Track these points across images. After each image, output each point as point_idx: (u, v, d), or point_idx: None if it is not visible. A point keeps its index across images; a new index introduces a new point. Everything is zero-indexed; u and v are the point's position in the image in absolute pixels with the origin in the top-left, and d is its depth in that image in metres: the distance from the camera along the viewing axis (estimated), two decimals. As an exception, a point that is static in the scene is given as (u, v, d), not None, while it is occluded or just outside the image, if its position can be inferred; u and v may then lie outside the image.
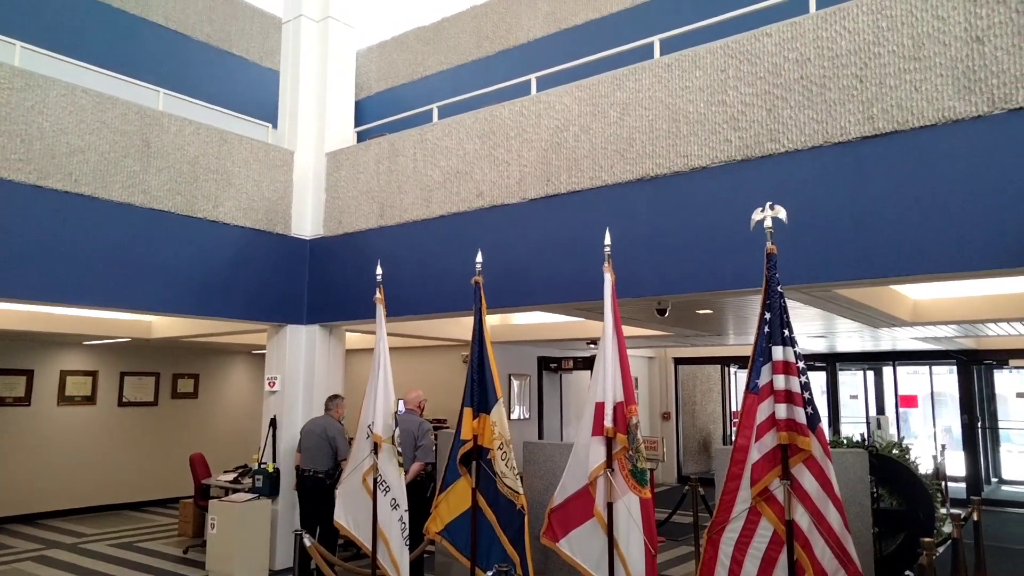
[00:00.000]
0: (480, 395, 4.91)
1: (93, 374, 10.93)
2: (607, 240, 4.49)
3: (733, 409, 14.57)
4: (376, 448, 5.29)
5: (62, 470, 10.44)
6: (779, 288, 3.74)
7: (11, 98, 5.71)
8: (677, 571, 7.44)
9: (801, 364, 3.62)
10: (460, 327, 9.35)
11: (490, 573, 4.27)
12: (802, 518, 3.50)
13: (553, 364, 12.27)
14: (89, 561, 7.79)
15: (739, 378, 14.63)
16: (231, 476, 8.29)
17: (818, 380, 13.13)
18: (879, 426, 11.32)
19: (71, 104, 6.06)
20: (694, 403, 14.91)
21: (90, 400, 10.88)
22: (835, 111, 4.62)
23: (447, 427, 9.11)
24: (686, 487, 7.24)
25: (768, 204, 3.86)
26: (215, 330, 8.75)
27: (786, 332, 3.65)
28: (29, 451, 10.14)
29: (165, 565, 7.62)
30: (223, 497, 7.27)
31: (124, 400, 11.26)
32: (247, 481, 7.67)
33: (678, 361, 14.45)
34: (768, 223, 3.82)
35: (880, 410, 13.13)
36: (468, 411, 4.91)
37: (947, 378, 13.21)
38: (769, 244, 3.77)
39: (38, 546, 8.50)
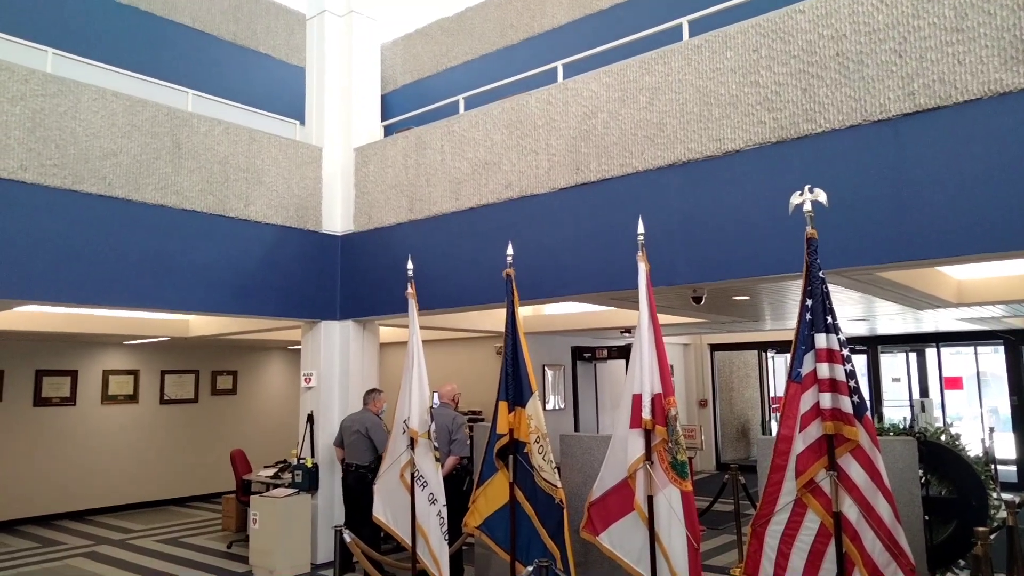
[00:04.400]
0: (515, 389, 4.87)
1: (135, 373, 11.16)
2: (640, 229, 4.39)
3: (771, 395, 14.36)
4: (412, 443, 5.29)
5: (108, 467, 10.69)
6: (820, 274, 3.63)
7: (44, 104, 5.79)
8: (719, 560, 7.35)
9: (846, 352, 3.51)
10: (493, 318, 9.32)
11: (530, 568, 4.24)
12: (850, 510, 3.40)
13: (587, 353, 12.19)
14: (139, 557, 7.96)
15: (777, 363, 14.40)
16: (271, 471, 8.39)
17: (859, 363, 12.86)
18: (923, 409, 11.04)
19: (103, 108, 6.13)
20: (731, 389, 14.71)
21: (132, 399, 11.11)
22: (874, 88, 4.46)
23: (482, 419, 9.11)
24: (726, 475, 7.13)
25: (807, 187, 3.74)
26: (251, 327, 8.85)
27: (829, 319, 3.54)
28: (76, 449, 10.40)
29: (211, 560, 7.75)
30: (264, 492, 7.37)
31: (165, 398, 11.48)
32: (287, 476, 7.75)
33: (714, 347, 14.26)
34: (808, 207, 3.70)
35: (924, 392, 12.82)
36: (503, 405, 4.88)
37: (993, 358, 12.83)
38: (809, 228, 3.65)
39: (88, 542, 8.71)
